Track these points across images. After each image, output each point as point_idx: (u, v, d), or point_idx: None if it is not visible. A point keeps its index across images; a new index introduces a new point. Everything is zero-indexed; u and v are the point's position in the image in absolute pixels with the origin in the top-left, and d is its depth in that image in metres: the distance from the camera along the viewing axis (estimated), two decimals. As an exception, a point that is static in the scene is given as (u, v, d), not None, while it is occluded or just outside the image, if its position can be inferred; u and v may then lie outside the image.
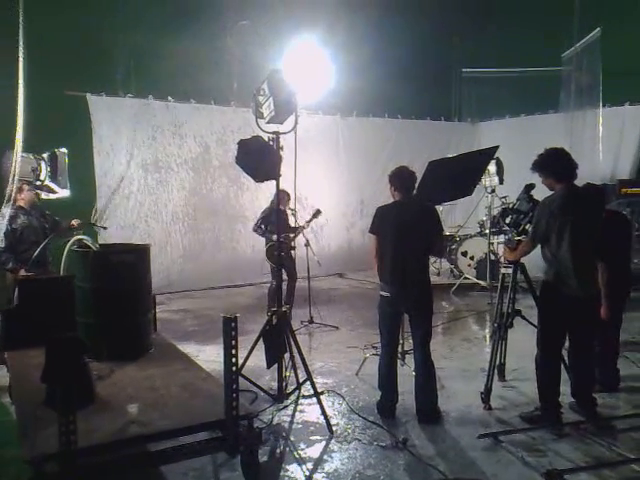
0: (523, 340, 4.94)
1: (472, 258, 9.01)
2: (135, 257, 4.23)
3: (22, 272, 5.60)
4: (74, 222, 6.23)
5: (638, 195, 8.55)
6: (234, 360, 3.06)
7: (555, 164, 4.05)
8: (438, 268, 9.80)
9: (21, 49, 4.16)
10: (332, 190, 10.57)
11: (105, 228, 7.62)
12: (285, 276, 6.96)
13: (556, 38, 9.85)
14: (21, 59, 4.16)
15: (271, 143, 4.09)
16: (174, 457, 3.02)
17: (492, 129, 11.75)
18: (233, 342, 3.06)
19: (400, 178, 4.22)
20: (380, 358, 4.30)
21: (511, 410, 4.29)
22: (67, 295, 4.08)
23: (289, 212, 7.15)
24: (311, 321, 6.75)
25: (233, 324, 3.05)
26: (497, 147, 5.22)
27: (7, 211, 5.89)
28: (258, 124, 4.18)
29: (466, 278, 8.88)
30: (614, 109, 9.55)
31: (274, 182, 4.22)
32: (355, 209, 10.82)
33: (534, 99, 10.87)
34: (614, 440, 3.77)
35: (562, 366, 4.18)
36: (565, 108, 9.87)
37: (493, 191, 8.52)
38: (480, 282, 8.68)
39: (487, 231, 8.47)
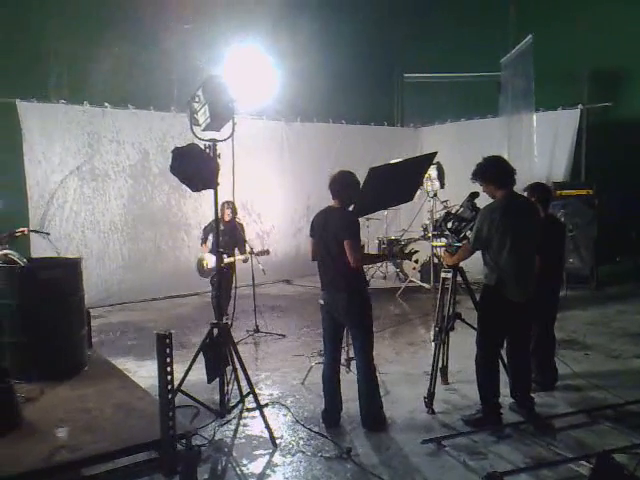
0: (465, 342, 5.02)
1: (416, 261, 9.12)
2: (65, 271, 4.03)
3: None
4: (20, 231, 5.98)
5: (572, 197, 8.87)
6: (169, 378, 2.94)
7: (495, 172, 4.13)
8: (384, 272, 9.88)
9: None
10: (278, 196, 10.52)
11: (48, 234, 7.37)
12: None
13: (494, 44, 10.15)
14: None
15: (208, 151, 3.98)
16: (108, 482, 2.88)
17: (434, 134, 11.97)
18: (168, 359, 2.94)
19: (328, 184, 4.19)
20: (323, 367, 4.27)
21: (454, 413, 4.34)
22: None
23: (237, 222, 7.01)
24: (257, 330, 6.65)
25: (167, 341, 2.93)
26: (435, 153, 5.27)
27: None
28: (193, 131, 4.07)
29: (411, 281, 8.98)
30: (548, 113, 9.89)
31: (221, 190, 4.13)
32: (302, 214, 10.76)
33: (474, 104, 11.16)
34: (552, 439, 3.86)
35: (501, 367, 4.28)
36: (503, 112, 10.15)
37: (435, 195, 8.69)
38: (424, 285, 8.80)
39: (430, 235, 8.59)
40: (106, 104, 8.74)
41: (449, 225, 4.46)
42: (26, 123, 8.06)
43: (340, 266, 3.97)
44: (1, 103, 7.80)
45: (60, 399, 3.50)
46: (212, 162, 3.99)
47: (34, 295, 3.83)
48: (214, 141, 4.01)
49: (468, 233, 4.32)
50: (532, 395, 4.33)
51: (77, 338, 4.07)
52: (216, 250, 4.22)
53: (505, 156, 9.48)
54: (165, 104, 9.37)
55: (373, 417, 4.09)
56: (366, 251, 8.23)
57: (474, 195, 4.33)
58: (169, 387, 2.95)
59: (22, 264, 4.10)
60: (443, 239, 4.64)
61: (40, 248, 7.81)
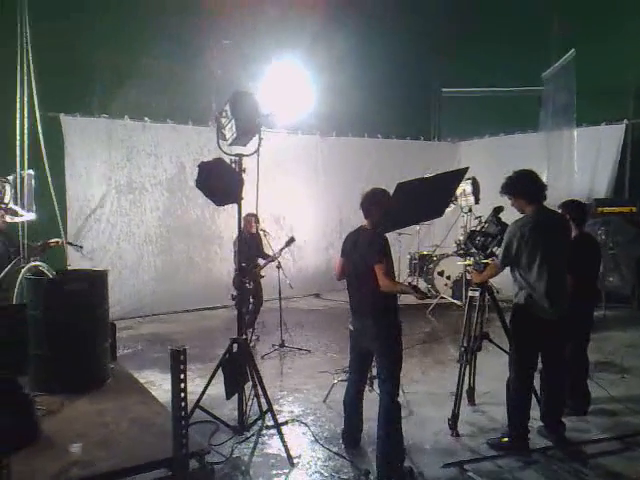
0: (494, 363, 4.88)
1: (449, 278, 8.95)
2: (90, 284, 4.09)
3: None
4: (55, 241, 6.15)
5: (613, 214, 8.56)
6: (183, 395, 2.93)
7: (525, 186, 4.03)
8: (416, 288, 9.71)
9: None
10: (311, 209, 10.52)
11: (81, 247, 7.57)
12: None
13: (536, 57, 9.95)
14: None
15: (233, 165, 4.01)
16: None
17: (472, 148, 11.77)
18: (182, 376, 2.93)
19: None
20: (347, 387, 4.13)
21: (479, 436, 4.20)
22: (18, 325, 3.92)
23: (262, 234, 7.10)
24: (282, 345, 6.61)
25: (182, 357, 2.93)
26: (467, 168, 5.17)
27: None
28: (220, 146, 4.11)
29: (442, 298, 8.81)
30: (591, 128, 9.60)
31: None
32: (334, 229, 10.71)
33: (514, 118, 10.92)
34: (582, 466, 3.70)
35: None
36: (544, 128, 9.93)
37: (470, 210, 8.52)
38: (456, 302, 8.61)
39: (460, 252, 8.45)
40: (146, 118, 8.94)
41: (475, 242, 4.36)
42: (69, 137, 8.30)
43: (367, 291, 3.70)
44: (46, 117, 8.04)
45: (79, 413, 3.54)
46: (237, 177, 4.01)
47: (59, 307, 3.91)
48: (240, 156, 4.03)
49: (495, 249, 4.21)
50: (563, 420, 4.15)
51: (100, 351, 4.12)
52: (238, 263, 4.22)
53: (545, 172, 9.31)
54: (203, 119, 9.52)
55: (385, 468, 3.57)
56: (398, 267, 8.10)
57: (498, 210, 4.24)
58: (182, 404, 2.95)
59: (50, 276, 4.20)
60: (470, 258, 4.52)
61: (77, 258, 8.03)
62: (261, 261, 7.07)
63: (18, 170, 5.61)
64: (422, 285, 9.68)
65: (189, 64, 9.46)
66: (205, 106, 9.74)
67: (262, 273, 7.10)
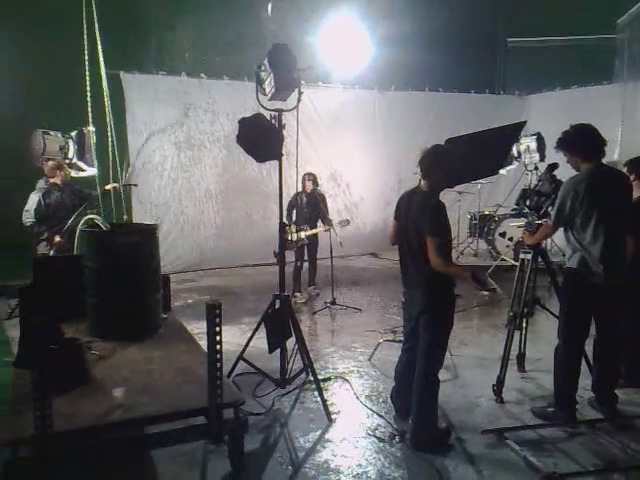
0: (549, 328, 4.70)
1: (511, 239, 8.62)
2: (142, 237, 4.21)
3: (57, 238, 5.81)
4: (112, 186, 6.42)
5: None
6: (218, 347, 3.00)
7: (582, 142, 3.75)
8: (475, 249, 9.46)
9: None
10: (368, 167, 10.36)
11: (136, 185, 7.80)
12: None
13: (612, 2, 9.16)
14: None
15: (273, 121, 3.96)
16: (157, 443, 3.03)
17: (542, 102, 11.11)
18: (217, 329, 3.00)
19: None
20: (399, 356, 3.90)
21: (525, 404, 4.09)
22: (78, 274, 4.13)
23: (318, 193, 7.08)
24: (334, 302, 6.64)
25: (217, 311, 2.99)
26: (524, 122, 4.94)
27: (42, 185, 6.15)
28: (259, 101, 4.06)
29: (503, 260, 8.53)
30: (673, 80, 8.82)
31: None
32: (392, 187, 10.51)
33: (588, 70, 10.22)
34: (632, 441, 3.52)
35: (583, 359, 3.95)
36: (619, 79, 9.21)
37: (536, 168, 8.11)
38: (517, 264, 8.31)
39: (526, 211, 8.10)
40: (202, 75, 8.98)
41: (527, 202, 4.16)
42: (129, 94, 8.47)
43: (418, 261, 3.37)
44: (107, 75, 8.23)
45: (128, 359, 3.70)
46: (277, 132, 3.96)
47: (112, 259, 4.06)
48: (279, 111, 3.98)
49: (549, 209, 3.99)
50: (617, 392, 3.97)
51: (151, 301, 4.27)
52: (280, 222, 4.23)
53: (619, 127, 8.67)
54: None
55: (419, 441, 3.46)
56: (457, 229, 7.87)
57: (553, 167, 4.00)
58: (217, 356, 3.02)
59: (104, 229, 4.36)
60: (523, 219, 4.32)
61: (141, 213, 8.35)
62: (306, 228, 7.05)
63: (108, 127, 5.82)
64: (482, 247, 9.42)
65: (244, 20, 9.36)
66: (260, 62, 9.66)
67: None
